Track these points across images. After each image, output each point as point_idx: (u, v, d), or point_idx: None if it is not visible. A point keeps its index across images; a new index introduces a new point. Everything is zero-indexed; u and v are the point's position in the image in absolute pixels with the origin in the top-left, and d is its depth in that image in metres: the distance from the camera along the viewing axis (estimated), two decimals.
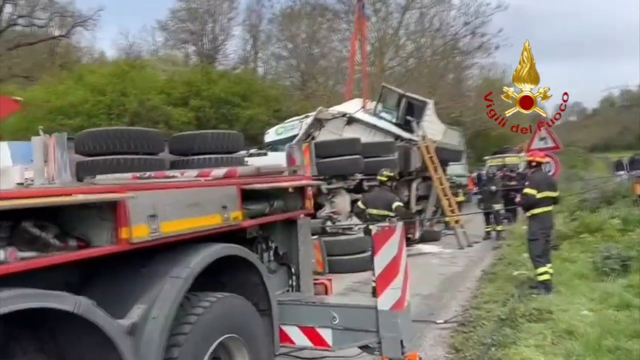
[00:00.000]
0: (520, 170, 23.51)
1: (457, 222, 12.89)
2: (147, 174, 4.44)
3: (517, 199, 7.45)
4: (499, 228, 13.48)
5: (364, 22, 18.11)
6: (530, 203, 7.10)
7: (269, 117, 26.33)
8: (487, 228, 13.72)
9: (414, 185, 13.10)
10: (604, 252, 7.75)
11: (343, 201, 11.13)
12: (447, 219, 13.32)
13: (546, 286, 7.08)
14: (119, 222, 2.62)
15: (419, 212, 13.63)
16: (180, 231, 3.03)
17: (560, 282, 7.38)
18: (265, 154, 9.14)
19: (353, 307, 3.97)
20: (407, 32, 25.83)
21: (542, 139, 11.36)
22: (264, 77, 40.09)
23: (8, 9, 29.40)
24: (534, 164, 7.40)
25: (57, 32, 32.98)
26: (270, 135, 14.79)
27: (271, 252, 4.43)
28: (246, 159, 9.49)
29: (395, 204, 7.29)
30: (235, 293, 3.56)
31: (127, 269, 2.90)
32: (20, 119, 21.79)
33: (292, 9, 35.21)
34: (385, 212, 7.33)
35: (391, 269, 3.95)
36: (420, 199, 13.69)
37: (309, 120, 13.63)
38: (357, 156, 10.31)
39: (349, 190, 10.54)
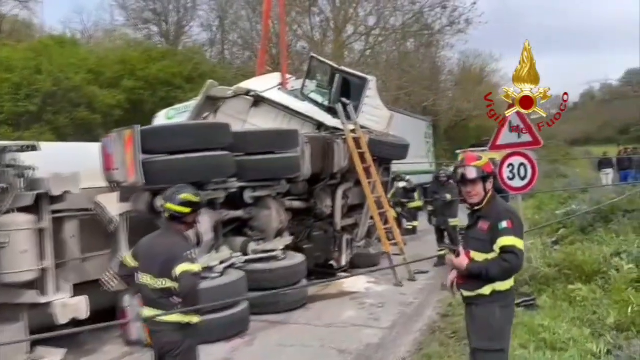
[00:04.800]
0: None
1: (395, 245, 8.92)
2: None
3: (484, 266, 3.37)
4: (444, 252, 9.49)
5: None
6: (516, 269, 3.27)
7: None
8: (440, 250, 9.73)
9: (340, 192, 9.04)
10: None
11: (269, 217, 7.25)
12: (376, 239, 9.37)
13: None
14: None
15: (351, 227, 9.60)
16: None
17: None
18: (33, 148, 5.13)
19: None
20: (368, 3, 21.40)
21: (513, 129, 7.37)
22: (230, 61, 35.80)
23: None
24: (480, 179, 3.34)
25: None
26: (159, 120, 10.68)
27: None
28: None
29: (182, 268, 3.24)
30: None
31: None
32: None
33: None
34: (161, 283, 3.31)
35: None
36: (353, 209, 9.65)
37: (199, 99, 9.55)
38: (221, 152, 6.24)
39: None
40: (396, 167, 13.00)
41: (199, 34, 37.82)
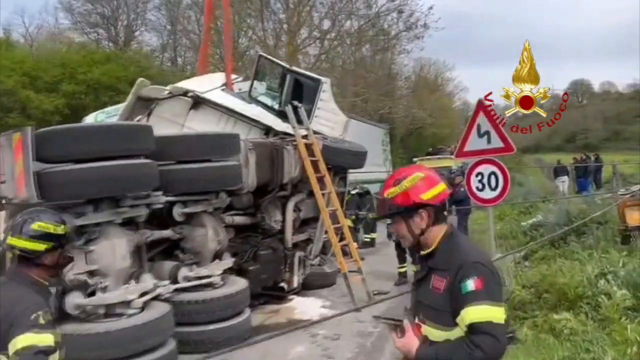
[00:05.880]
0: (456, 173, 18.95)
1: (355, 261, 7.91)
2: None
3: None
4: (415, 268, 8.55)
5: None
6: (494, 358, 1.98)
7: None
8: (401, 267, 8.79)
9: (291, 205, 7.95)
10: None
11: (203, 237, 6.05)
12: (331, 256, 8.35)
13: None
14: None
15: (304, 243, 8.53)
16: None
17: None
18: None
19: None
20: (323, 6, 20.50)
21: (482, 134, 6.52)
22: (183, 67, 34.21)
23: None
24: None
25: None
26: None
27: None
28: None
29: (24, 341, 2.03)
30: None
31: None
32: None
33: None
34: None
35: None
36: (306, 223, 8.58)
37: (128, 100, 8.31)
38: (141, 160, 5.06)
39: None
40: (352, 176, 12.10)
41: (150, 39, 36.12)
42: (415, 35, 21.76)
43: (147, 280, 5.29)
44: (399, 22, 21.58)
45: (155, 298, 5.38)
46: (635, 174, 19.66)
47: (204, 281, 5.87)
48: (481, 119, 6.42)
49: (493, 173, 6.39)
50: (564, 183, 19.24)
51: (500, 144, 6.36)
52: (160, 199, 5.48)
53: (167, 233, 5.81)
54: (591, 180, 19.02)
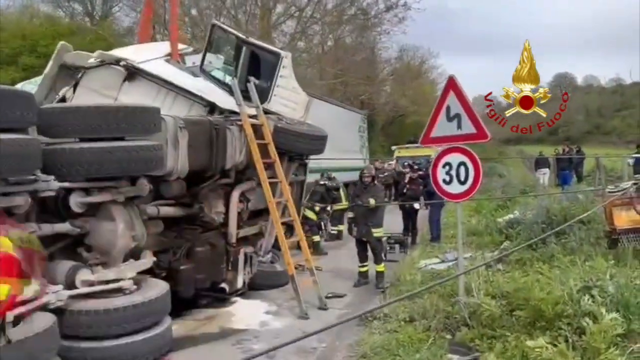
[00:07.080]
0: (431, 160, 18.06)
1: (304, 265, 6.90)
2: None
3: None
4: (379, 268, 7.52)
5: None
6: None
7: None
8: (362, 267, 7.74)
9: (236, 194, 6.87)
10: None
11: (112, 232, 4.96)
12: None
13: None
14: None
15: (255, 237, 7.47)
16: None
17: None
18: None
19: None
20: None
21: (452, 117, 5.48)
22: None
23: None
24: None
25: None
26: None
27: None
28: None
29: None
30: None
31: None
32: None
33: None
34: None
35: None
36: (258, 215, 7.52)
37: (48, 68, 7.15)
38: (9, 136, 3.93)
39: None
40: (325, 163, 11.00)
41: (129, 15, 34.45)
42: (395, 15, 20.64)
43: (30, 287, 4.18)
44: (379, 1, 20.45)
45: (45, 308, 4.30)
46: (616, 169, 18.95)
47: (110, 286, 4.78)
48: (451, 99, 5.39)
49: (463, 163, 5.39)
50: (545, 175, 18.44)
51: (472, 130, 5.34)
52: (50, 185, 4.37)
53: (62, 227, 4.68)
54: (573, 173, 18.25)
